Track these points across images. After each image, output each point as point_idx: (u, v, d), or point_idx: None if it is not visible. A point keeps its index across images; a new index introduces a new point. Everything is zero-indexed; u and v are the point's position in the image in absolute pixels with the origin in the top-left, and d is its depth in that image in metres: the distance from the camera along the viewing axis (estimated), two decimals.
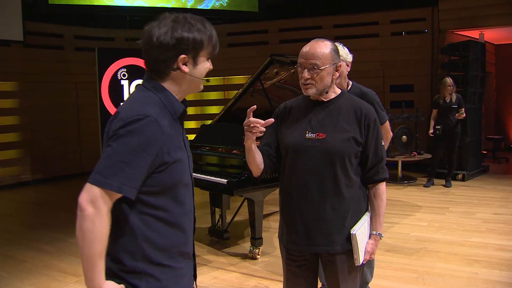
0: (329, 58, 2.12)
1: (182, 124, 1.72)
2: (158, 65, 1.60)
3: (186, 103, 1.72)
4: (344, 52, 3.29)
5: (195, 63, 1.62)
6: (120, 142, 1.46)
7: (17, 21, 8.71)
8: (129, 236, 1.55)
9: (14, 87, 9.21)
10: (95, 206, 1.43)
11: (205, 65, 1.67)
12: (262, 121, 2.06)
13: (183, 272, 1.68)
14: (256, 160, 2.21)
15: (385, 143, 3.02)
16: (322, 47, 2.13)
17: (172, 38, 1.55)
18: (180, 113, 1.65)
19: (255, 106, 2.08)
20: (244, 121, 2.10)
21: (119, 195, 1.47)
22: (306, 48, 2.15)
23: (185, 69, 1.60)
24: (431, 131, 7.68)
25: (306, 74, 2.14)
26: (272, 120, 2.11)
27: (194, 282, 1.82)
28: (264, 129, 2.07)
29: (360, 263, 2.17)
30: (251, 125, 2.06)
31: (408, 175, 8.72)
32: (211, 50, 1.66)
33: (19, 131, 9.31)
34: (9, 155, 9.17)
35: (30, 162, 9.41)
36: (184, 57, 1.58)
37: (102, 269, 1.48)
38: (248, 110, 2.07)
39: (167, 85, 1.62)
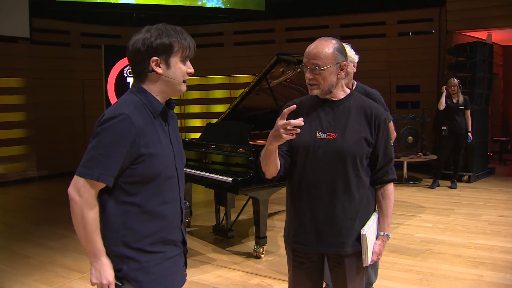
0: (331, 58, 2.09)
1: (167, 121, 1.88)
2: (136, 68, 1.81)
3: (171, 102, 1.91)
4: (352, 53, 3.28)
5: (168, 65, 1.79)
6: (98, 138, 1.69)
7: (24, 18, 8.75)
8: (110, 223, 1.75)
9: (21, 83, 9.26)
10: (80, 194, 1.69)
11: (180, 68, 1.82)
12: (302, 122, 1.92)
13: (167, 255, 1.84)
14: (276, 162, 2.12)
15: None
16: (325, 47, 2.10)
17: (143, 44, 1.75)
18: (160, 111, 1.82)
19: (295, 106, 1.96)
20: (277, 121, 1.93)
21: (101, 184, 1.69)
22: (309, 48, 2.13)
23: (159, 70, 1.78)
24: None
25: (309, 74, 2.12)
26: (301, 120, 1.93)
27: (185, 269, 1.98)
28: (299, 131, 1.94)
29: (368, 264, 2.17)
30: (289, 127, 1.90)
31: (413, 176, 8.70)
32: (183, 53, 1.81)
33: (25, 127, 9.36)
34: (14, 151, 9.23)
35: (35, 158, 9.46)
36: (156, 59, 1.77)
37: (101, 244, 1.72)
38: (285, 110, 1.93)
39: (147, 86, 1.82)
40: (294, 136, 1.93)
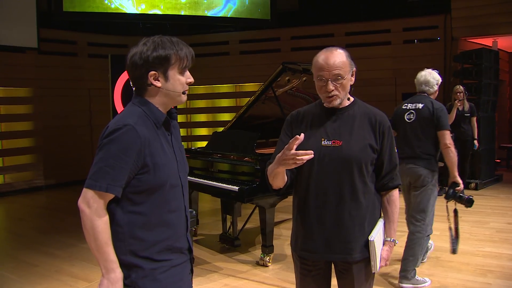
0: (348, 66, 2.11)
1: (170, 131, 1.90)
2: (136, 82, 1.82)
3: (173, 112, 1.92)
4: (436, 78, 4.27)
5: (166, 78, 1.79)
6: (104, 150, 1.71)
7: (31, 28, 8.84)
8: (117, 233, 1.75)
9: (28, 93, 9.33)
10: (89, 206, 1.69)
11: (179, 80, 1.82)
12: (311, 153, 1.92)
13: (173, 262, 1.85)
14: (284, 178, 2.15)
15: None
16: (340, 56, 2.10)
17: (140, 58, 1.76)
18: (162, 121, 1.83)
19: (303, 134, 1.92)
20: (285, 148, 1.93)
21: (109, 195, 1.70)
22: (326, 60, 2.09)
23: (157, 84, 1.79)
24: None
25: (331, 86, 2.10)
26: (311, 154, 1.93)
27: (191, 276, 1.99)
28: (311, 157, 1.94)
29: (377, 270, 2.17)
30: (297, 157, 1.90)
31: None
32: (180, 64, 1.81)
33: (32, 136, 9.43)
34: (22, 160, 9.29)
35: (43, 167, 9.51)
36: (154, 73, 1.77)
37: (114, 256, 1.71)
38: (291, 140, 1.90)
39: (149, 98, 1.83)
40: (304, 162, 1.93)
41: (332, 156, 2.12)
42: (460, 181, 3.95)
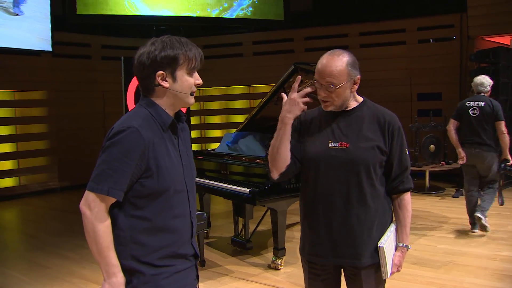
0: (345, 74, 2.04)
1: (176, 134, 1.85)
2: (143, 83, 1.79)
3: (181, 115, 1.89)
4: (489, 81, 5.33)
5: (174, 78, 1.76)
6: (107, 153, 1.68)
7: (46, 32, 8.92)
8: (119, 237, 1.72)
9: (43, 96, 9.42)
10: (90, 209, 1.68)
11: (187, 81, 1.78)
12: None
13: (177, 268, 1.80)
14: (286, 154, 2.09)
15: None
16: (337, 62, 2.03)
17: (148, 58, 1.74)
18: (169, 124, 1.79)
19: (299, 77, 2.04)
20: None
21: (111, 199, 1.68)
22: (321, 65, 2.06)
23: (165, 84, 1.76)
24: None
25: (322, 92, 2.08)
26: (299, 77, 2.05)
27: (197, 282, 1.95)
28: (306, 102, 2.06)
29: (388, 276, 2.11)
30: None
31: (436, 185, 8.52)
32: (189, 65, 1.77)
33: (47, 139, 9.51)
34: (37, 163, 9.37)
35: (57, 169, 9.58)
36: (162, 73, 1.74)
37: (116, 260, 1.69)
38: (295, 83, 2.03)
39: (156, 100, 1.80)
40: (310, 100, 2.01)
41: (339, 158, 2.06)
42: (510, 158, 5.23)
